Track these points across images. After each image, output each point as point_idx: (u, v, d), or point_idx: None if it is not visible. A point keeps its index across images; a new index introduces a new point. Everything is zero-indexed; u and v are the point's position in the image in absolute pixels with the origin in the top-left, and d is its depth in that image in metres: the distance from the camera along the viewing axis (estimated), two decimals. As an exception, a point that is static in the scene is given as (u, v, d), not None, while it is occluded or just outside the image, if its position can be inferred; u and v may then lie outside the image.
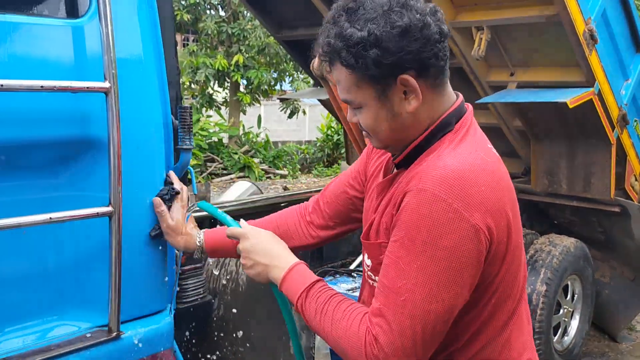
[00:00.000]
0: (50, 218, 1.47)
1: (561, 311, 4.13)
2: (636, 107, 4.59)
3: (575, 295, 4.30)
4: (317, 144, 16.86)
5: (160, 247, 1.77)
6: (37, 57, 1.52)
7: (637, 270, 4.75)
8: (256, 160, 14.46)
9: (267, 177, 14.14)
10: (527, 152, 4.93)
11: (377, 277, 1.33)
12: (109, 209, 1.56)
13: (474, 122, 1.42)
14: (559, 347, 4.12)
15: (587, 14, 3.72)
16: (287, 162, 15.44)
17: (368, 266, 1.45)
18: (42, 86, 1.42)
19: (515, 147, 5.01)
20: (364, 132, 1.40)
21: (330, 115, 15.56)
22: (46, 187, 1.59)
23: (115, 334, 1.63)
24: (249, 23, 13.46)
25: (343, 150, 15.97)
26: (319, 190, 5.66)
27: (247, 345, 2.04)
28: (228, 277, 2.14)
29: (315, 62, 4.28)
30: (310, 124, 19.59)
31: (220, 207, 4.34)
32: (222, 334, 2.13)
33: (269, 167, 14.69)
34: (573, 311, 4.29)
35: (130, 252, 1.65)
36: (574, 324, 4.30)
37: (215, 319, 2.14)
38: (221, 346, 2.13)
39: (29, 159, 1.56)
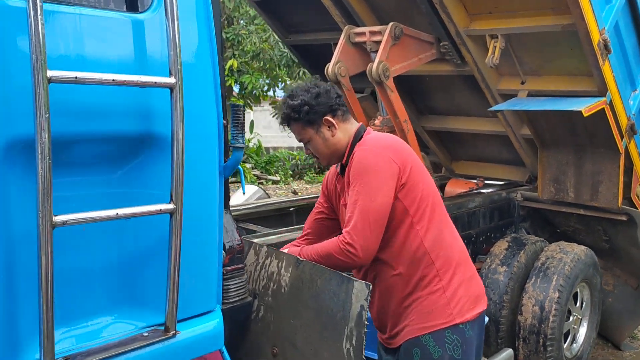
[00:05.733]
0: (117, 214, 1.45)
1: (571, 318, 4.16)
2: (643, 117, 4.66)
3: (584, 303, 4.33)
4: (311, 150, 16.81)
5: (213, 247, 1.76)
6: (99, 51, 1.50)
7: (641, 279, 4.81)
8: (248, 165, 14.39)
9: (260, 183, 14.08)
10: (532, 160, 4.98)
11: None
12: (171, 206, 1.54)
13: (373, 131, 2.29)
14: (568, 354, 4.15)
15: (602, 24, 3.77)
16: (279, 168, 15.40)
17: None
18: (113, 80, 1.41)
19: (522, 155, 5.05)
20: (314, 158, 2.31)
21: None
22: (103, 183, 1.57)
23: (172, 333, 1.61)
24: (244, 28, 13.42)
25: (334, 157, 16.00)
26: (316, 197, 5.58)
27: (293, 345, 2.02)
28: (269, 278, 2.13)
29: (330, 67, 4.30)
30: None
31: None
32: (263, 335, 2.11)
33: (261, 172, 14.64)
34: (581, 318, 4.32)
35: (186, 250, 1.63)
36: (582, 331, 4.33)
37: (255, 320, 2.13)
38: (263, 347, 2.11)
39: (88, 154, 1.54)
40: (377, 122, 4.56)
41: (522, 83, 4.50)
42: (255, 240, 2.35)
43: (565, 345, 4.13)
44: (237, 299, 2.04)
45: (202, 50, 1.70)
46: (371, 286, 1.84)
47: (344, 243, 2.00)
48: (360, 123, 2.31)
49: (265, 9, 5.32)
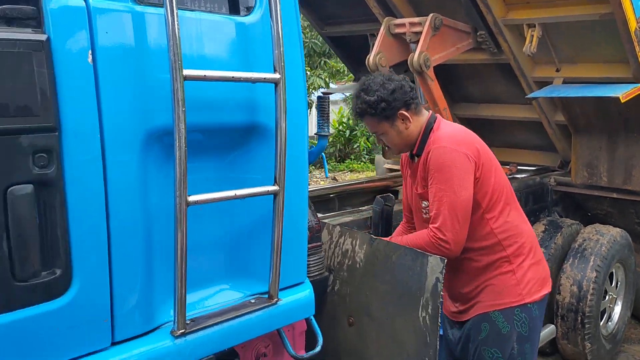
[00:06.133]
0: (235, 194, 1.64)
1: (607, 297, 4.31)
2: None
3: (619, 283, 4.48)
4: (330, 139, 17.00)
5: (304, 224, 1.95)
6: (212, 50, 1.69)
7: (672, 260, 4.94)
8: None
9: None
10: (564, 146, 5.11)
11: (426, 210, 2.33)
12: (276, 187, 1.74)
13: (442, 119, 2.40)
14: (604, 331, 4.30)
15: (639, 12, 3.88)
16: (301, 156, 15.55)
17: (424, 209, 2.36)
18: (232, 77, 1.60)
19: (554, 141, 5.18)
20: (386, 147, 2.49)
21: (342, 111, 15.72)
22: (215, 168, 1.76)
23: (275, 300, 1.81)
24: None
25: (355, 146, 16.18)
26: (356, 183, 5.71)
27: (369, 316, 2.21)
28: (343, 255, 2.32)
29: (371, 58, 4.46)
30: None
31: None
32: (339, 307, 2.31)
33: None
34: (617, 298, 4.47)
35: (284, 227, 1.82)
36: (617, 309, 4.48)
37: (331, 293, 2.32)
38: (339, 317, 2.31)
39: (204, 143, 1.72)
40: (416, 110, 4.71)
41: (557, 70, 4.63)
42: (327, 221, 2.54)
43: (601, 323, 4.29)
44: (316, 273, 2.23)
45: (294, 47, 1.88)
46: (446, 260, 2.02)
47: (435, 238, 2.14)
48: (431, 112, 2.43)
49: (302, 1, 5.46)
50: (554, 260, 4.17)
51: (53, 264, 1.38)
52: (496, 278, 2.24)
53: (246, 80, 1.64)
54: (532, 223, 4.59)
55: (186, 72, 1.48)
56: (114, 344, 1.50)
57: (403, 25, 4.44)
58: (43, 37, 1.32)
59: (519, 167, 5.52)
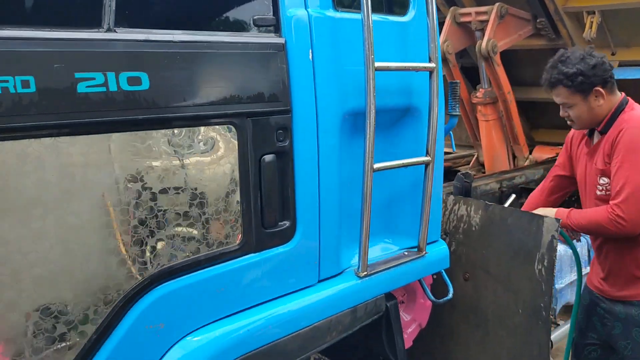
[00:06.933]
0: (404, 163, 2.01)
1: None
2: None
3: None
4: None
5: (440, 190, 2.31)
6: (384, 45, 2.01)
7: None
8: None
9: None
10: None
11: (603, 187, 2.38)
12: (428, 158, 2.10)
13: (635, 103, 2.43)
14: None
15: (696, -1, 4.16)
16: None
17: (600, 185, 2.41)
18: (405, 67, 1.95)
19: (605, 121, 5.46)
20: (569, 121, 2.47)
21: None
22: (378, 143, 2.12)
23: (424, 253, 2.18)
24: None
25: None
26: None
27: (485, 271, 2.58)
28: (459, 220, 2.68)
29: (438, 45, 4.79)
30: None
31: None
32: (455, 264, 2.67)
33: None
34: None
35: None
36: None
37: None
38: (455, 274, 2.67)
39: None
40: (479, 94, 5.04)
41: (613, 54, 4.90)
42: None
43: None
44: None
45: (437, 39, 2.22)
46: (561, 220, 2.36)
47: (614, 214, 2.23)
48: (623, 94, 2.45)
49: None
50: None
51: (285, 217, 1.76)
52: None
53: (414, 69, 2.00)
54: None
55: (377, 64, 1.83)
56: (319, 281, 1.89)
57: (469, 14, 4.75)
58: (282, 40, 1.68)
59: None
